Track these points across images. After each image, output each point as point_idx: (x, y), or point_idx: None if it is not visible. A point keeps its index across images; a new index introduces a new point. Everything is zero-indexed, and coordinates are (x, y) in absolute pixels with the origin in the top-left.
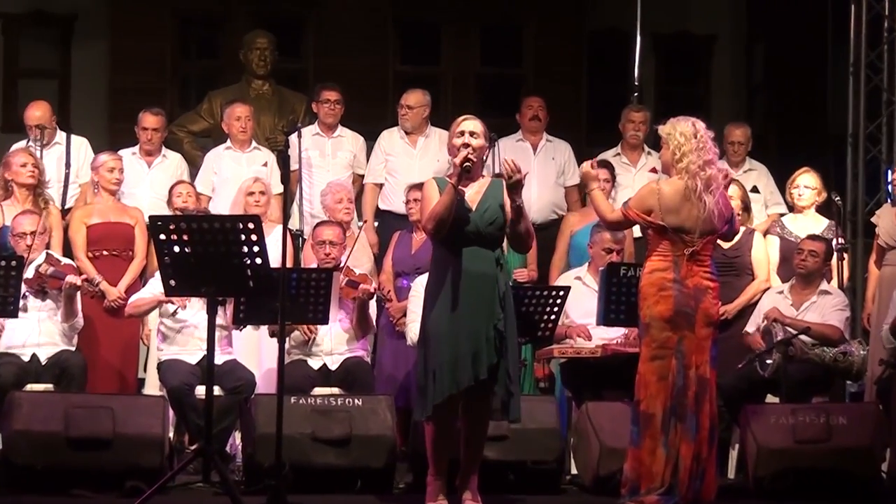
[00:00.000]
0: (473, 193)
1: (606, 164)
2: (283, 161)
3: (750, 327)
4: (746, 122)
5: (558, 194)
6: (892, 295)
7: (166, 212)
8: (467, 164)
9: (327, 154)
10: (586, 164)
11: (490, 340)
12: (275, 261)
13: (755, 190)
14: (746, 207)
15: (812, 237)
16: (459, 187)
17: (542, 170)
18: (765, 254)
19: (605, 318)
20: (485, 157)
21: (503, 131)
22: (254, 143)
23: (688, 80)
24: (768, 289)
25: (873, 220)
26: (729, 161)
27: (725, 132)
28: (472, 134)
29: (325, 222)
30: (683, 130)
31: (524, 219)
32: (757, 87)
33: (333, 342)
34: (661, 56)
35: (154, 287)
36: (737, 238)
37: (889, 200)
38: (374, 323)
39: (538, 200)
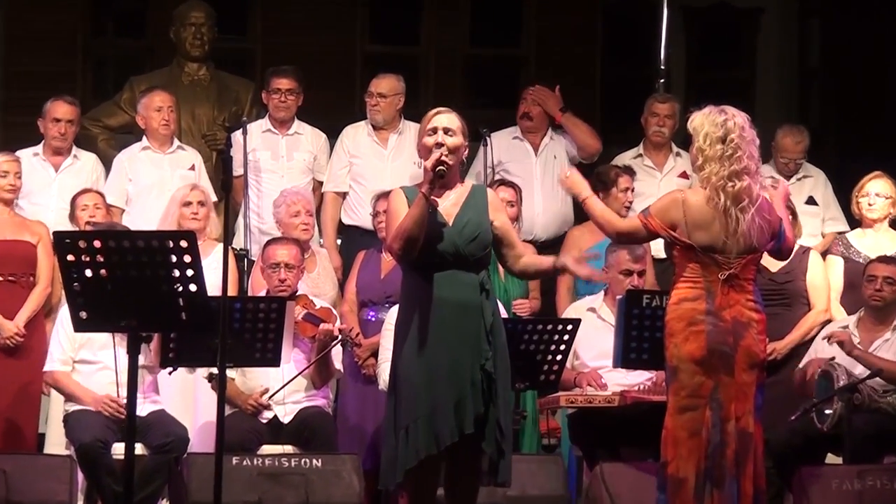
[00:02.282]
0: (450, 205)
1: (626, 170)
2: (225, 164)
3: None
4: (799, 119)
5: (568, 204)
6: None
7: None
8: (441, 168)
9: (281, 155)
10: (562, 173)
11: (476, 385)
12: (214, 287)
13: (811, 201)
14: (793, 214)
15: (885, 259)
16: (432, 197)
17: (546, 175)
18: (824, 278)
19: (624, 359)
20: (464, 159)
21: (497, 126)
22: (176, 142)
23: (727, 64)
24: (828, 321)
25: None
26: (778, 169)
27: (776, 139)
28: (446, 131)
29: (279, 240)
30: (710, 131)
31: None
32: (812, 72)
33: (287, 389)
34: (695, 33)
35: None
36: (788, 259)
37: None
38: (338, 366)
39: (544, 213)
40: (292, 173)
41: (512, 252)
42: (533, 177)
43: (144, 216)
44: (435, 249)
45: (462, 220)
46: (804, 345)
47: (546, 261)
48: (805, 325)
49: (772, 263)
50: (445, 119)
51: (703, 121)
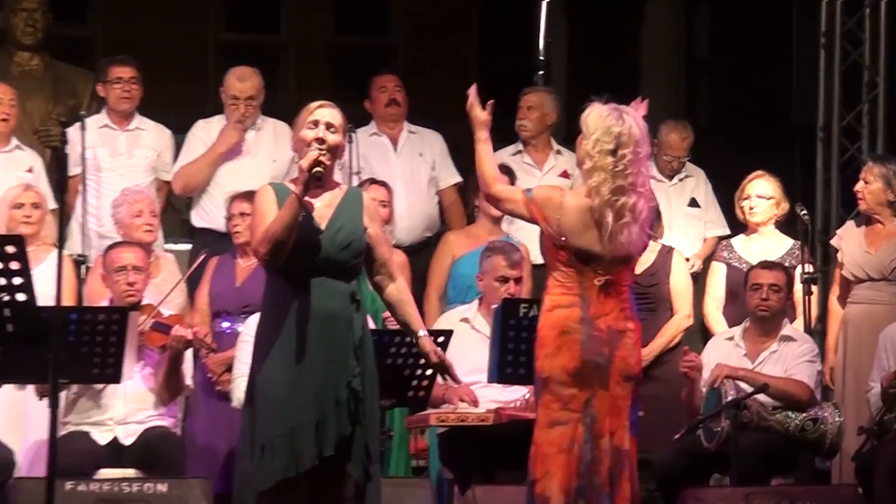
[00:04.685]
0: (323, 207)
1: (507, 171)
2: (60, 163)
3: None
4: (687, 114)
5: (433, 204)
6: (879, 343)
7: None
8: (318, 169)
9: (121, 153)
10: (473, 94)
11: (342, 404)
12: (46, 297)
13: (693, 203)
14: (658, 215)
15: (769, 265)
16: (306, 199)
17: (408, 172)
18: (686, 281)
19: (500, 374)
20: (340, 159)
21: (366, 122)
22: (14, 141)
23: (610, 55)
24: (689, 327)
25: (834, 242)
26: (660, 167)
27: (659, 135)
28: (329, 127)
29: (122, 243)
30: (602, 139)
31: None
32: (699, 63)
33: (129, 406)
34: (575, 23)
35: None
36: (651, 260)
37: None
38: (188, 381)
39: (408, 215)
40: (133, 172)
41: (380, 269)
42: (394, 175)
43: None
44: (305, 255)
45: (335, 225)
46: (668, 352)
47: (413, 325)
48: (668, 332)
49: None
50: (329, 114)
51: (598, 123)
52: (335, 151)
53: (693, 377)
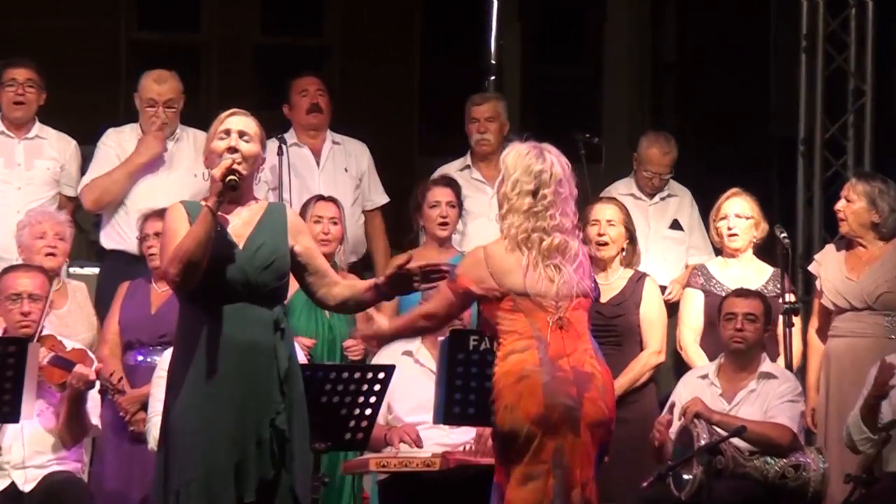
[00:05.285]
0: (241, 224)
1: (450, 182)
2: None
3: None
4: (653, 123)
5: (359, 225)
6: (868, 380)
7: None
8: (232, 178)
9: (17, 164)
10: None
11: (264, 444)
12: None
13: (676, 225)
14: (631, 238)
15: (744, 293)
16: (220, 214)
17: (333, 189)
18: (659, 311)
19: (447, 414)
20: (259, 171)
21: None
22: None
23: (569, 58)
24: (660, 364)
25: (812, 268)
26: (640, 184)
27: (639, 149)
28: (241, 135)
29: (18, 267)
30: (521, 179)
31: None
32: (667, 68)
33: (28, 449)
34: (531, 22)
35: None
36: (620, 287)
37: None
38: (95, 420)
39: None
40: (33, 185)
41: (321, 281)
42: (316, 190)
43: None
44: (221, 277)
45: (255, 243)
46: (635, 391)
47: (365, 284)
48: (634, 369)
49: (600, 292)
50: (241, 122)
51: (517, 163)
52: (251, 162)
53: (700, 410)
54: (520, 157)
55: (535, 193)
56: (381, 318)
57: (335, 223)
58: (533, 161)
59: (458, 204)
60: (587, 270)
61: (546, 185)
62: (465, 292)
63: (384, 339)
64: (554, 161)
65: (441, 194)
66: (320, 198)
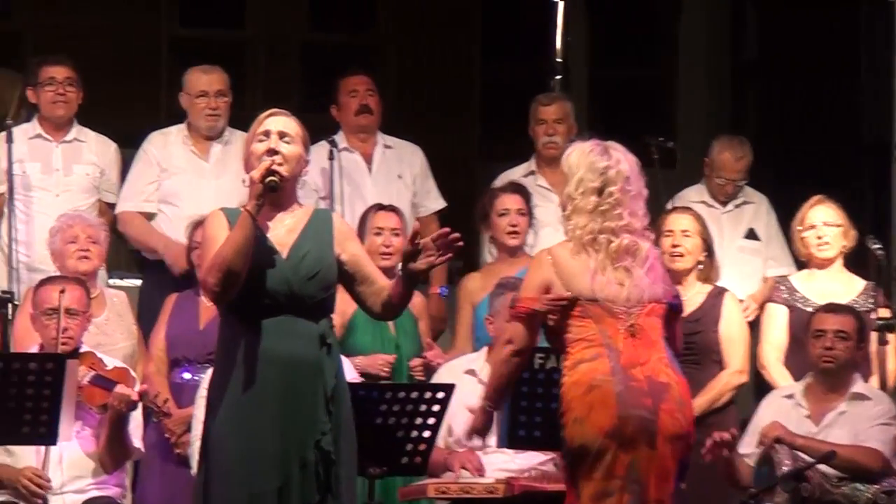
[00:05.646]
0: (284, 231)
1: (519, 189)
2: None
3: (745, 448)
4: (733, 128)
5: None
6: None
7: None
8: (272, 179)
9: (55, 168)
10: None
11: (308, 467)
12: None
13: (752, 235)
14: (709, 250)
15: (834, 308)
16: (261, 220)
17: (386, 196)
18: (740, 329)
19: (511, 437)
20: (303, 174)
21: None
22: None
23: (640, 58)
24: (741, 385)
25: None
26: (712, 192)
27: (711, 154)
28: (282, 136)
29: (55, 279)
30: (586, 177)
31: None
32: (747, 67)
33: (67, 473)
34: (599, 18)
35: None
36: (699, 303)
37: None
38: (137, 443)
39: None
40: (71, 192)
41: (370, 289)
42: (368, 202)
43: None
44: (262, 288)
45: (299, 252)
46: (714, 413)
47: (396, 279)
48: (714, 389)
49: None
50: (281, 122)
51: (581, 161)
52: (293, 163)
53: (781, 434)
54: (583, 154)
55: (600, 191)
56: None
57: (397, 234)
58: (597, 158)
59: (529, 212)
60: (660, 274)
61: (612, 182)
62: (528, 315)
63: (495, 404)
64: (620, 158)
65: (510, 202)
66: (380, 207)
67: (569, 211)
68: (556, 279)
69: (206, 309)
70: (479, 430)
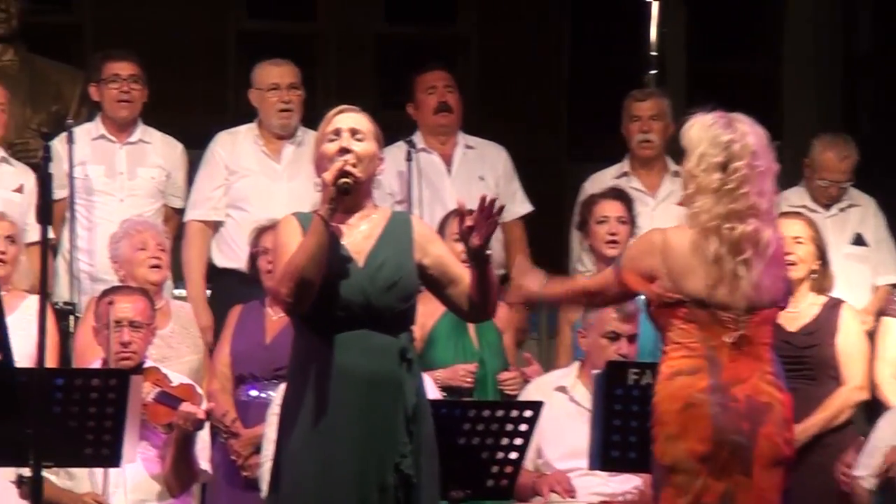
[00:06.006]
0: (360, 238)
1: (620, 195)
2: (43, 184)
3: (862, 470)
4: (845, 127)
5: (497, 240)
6: None
7: None
8: (345, 181)
9: (119, 172)
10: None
11: (388, 491)
12: (24, 357)
13: (859, 241)
14: (823, 258)
15: None
16: (335, 225)
17: (467, 200)
18: (859, 343)
19: (604, 459)
20: (378, 174)
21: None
22: (0, 152)
23: (743, 51)
24: (861, 402)
25: None
26: (814, 194)
27: (812, 154)
28: (354, 134)
29: (118, 289)
30: (708, 151)
31: (489, 277)
32: (861, 60)
33: (131, 496)
34: (698, 8)
35: None
36: (813, 314)
37: None
38: (204, 465)
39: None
40: (136, 196)
41: (459, 290)
42: (447, 205)
43: None
44: (337, 299)
45: (376, 260)
46: (833, 433)
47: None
48: (832, 406)
49: (788, 320)
50: (352, 119)
51: (702, 135)
52: (367, 162)
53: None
54: (704, 127)
55: (724, 167)
56: (536, 277)
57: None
58: (720, 130)
59: (630, 219)
60: (781, 269)
61: (738, 156)
62: (626, 288)
63: (532, 299)
64: (746, 130)
65: (610, 209)
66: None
67: (691, 190)
68: (662, 271)
69: (273, 322)
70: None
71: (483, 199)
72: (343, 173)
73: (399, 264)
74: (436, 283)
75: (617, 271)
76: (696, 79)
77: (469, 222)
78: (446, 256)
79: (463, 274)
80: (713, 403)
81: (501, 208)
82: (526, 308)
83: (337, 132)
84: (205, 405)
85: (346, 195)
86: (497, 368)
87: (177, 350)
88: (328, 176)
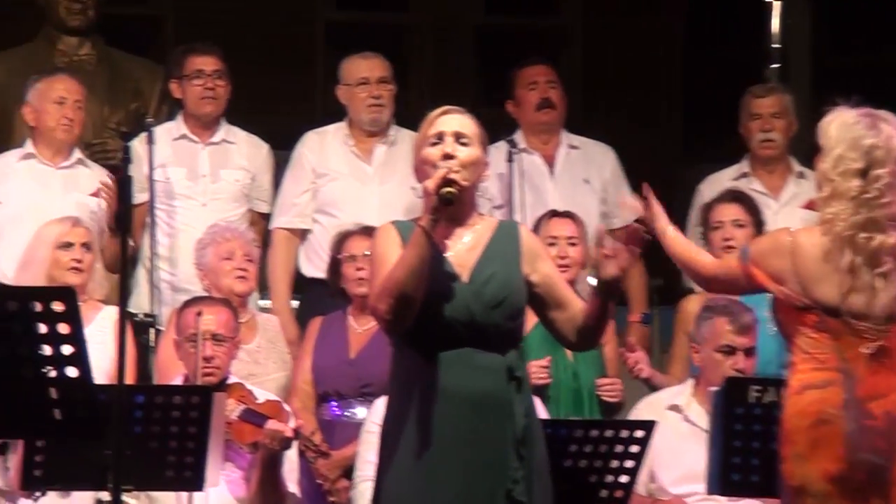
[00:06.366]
0: (464, 251)
1: (737, 197)
2: (122, 188)
3: None
4: None
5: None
6: None
7: None
8: (449, 191)
9: (202, 174)
10: (628, 200)
11: None
12: (101, 373)
13: None
14: None
15: None
16: (436, 236)
17: (571, 204)
18: None
19: (724, 482)
20: (483, 180)
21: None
22: (76, 153)
23: (873, 40)
24: None
25: None
26: None
27: None
28: (458, 138)
29: (202, 299)
30: (846, 154)
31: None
32: None
33: None
34: None
35: None
36: None
37: None
38: (292, 488)
39: None
40: (219, 201)
41: (565, 315)
42: (548, 207)
43: (14, 262)
44: (440, 316)
45: (482, 274)
46: None
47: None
48: None
49: None
50: (456, 121)
51: (842, 134)
52: (472, 169)
53: None
54: (845, 126)
55: (864, 173)
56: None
57: (573, 244)
58: (863, 132)
59: (754, 223)
60: None
61: (879, 163)
62: (752, 282)
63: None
64: (892, 133)
65: (725, 212)
66: (554, 214)
67: (826, 194)
68: (790, 275)
69: (358, 335)
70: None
71: (630, 229)
72: (447, 181)
73: (506, 280)
74: (540, 303)
75: (744, 265)
76: (822, 73)
77: (607, 251)
78: (555, 276)
79: (571, 299)
80: (848, 420)
81: (649, 239)
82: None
83: (440, 136)
84: (292, 423)
85: (450, 205)
86: (593, 381)
87: (263, 366)
88: (431, 184)
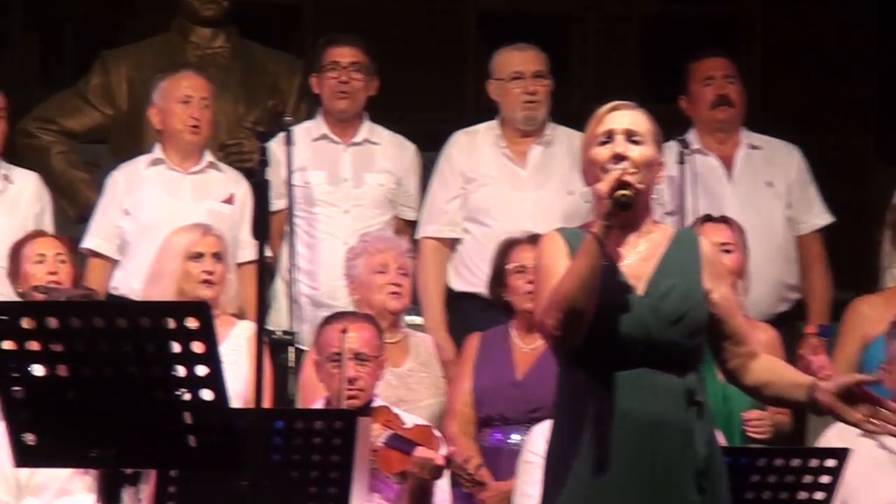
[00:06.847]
0: (639, 261)
1: None
2: (260, 193)
3: None
4: None
5: (790, 259)
6: None
7: (9, 295)
8: (624, 194)
9: (344, 178)
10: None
11: None
12: (237, 395)
13: None
14: None
15: None
16: (608, 244)
17: (750, 211)
18: None
19: None
20: (659, 182)
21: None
22: (207, 156)
23: None
24: None
25: None
26: None
27: None
28: (630, 136)
29: (344, 315)
30: None
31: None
32: None
33: None
34: None
35: None
36: None
37: None
38: None
39: (757, 278)
40: (362, 207)
41: (737, 349)
42: (726, 212)
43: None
44: (613, 333)
45: (659, 287)
46: None
47: (795, 377)
48: None
49: None
50: (627, 118)
51: None
52: (646, 170)
53: None
54: None
55: None
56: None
57: (728, 251)
58: None
59: None
60: None
61: None
62: None
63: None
64: None
65: None
66: (707, 219)
67: None
68: None
69: (524, 354)
70: None
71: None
72: (621, 184)
73: (687, 293)
74: (713, 327)
75: None
76: None
77: (826, 372)
78: (734, 303)
79: (744, 333)
80: None
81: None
82: None
83: (609, 134)
84: (443, 450)
85: (625, 209)
86: (745, 405)
87: (415, 391)
88: (603, 187)
